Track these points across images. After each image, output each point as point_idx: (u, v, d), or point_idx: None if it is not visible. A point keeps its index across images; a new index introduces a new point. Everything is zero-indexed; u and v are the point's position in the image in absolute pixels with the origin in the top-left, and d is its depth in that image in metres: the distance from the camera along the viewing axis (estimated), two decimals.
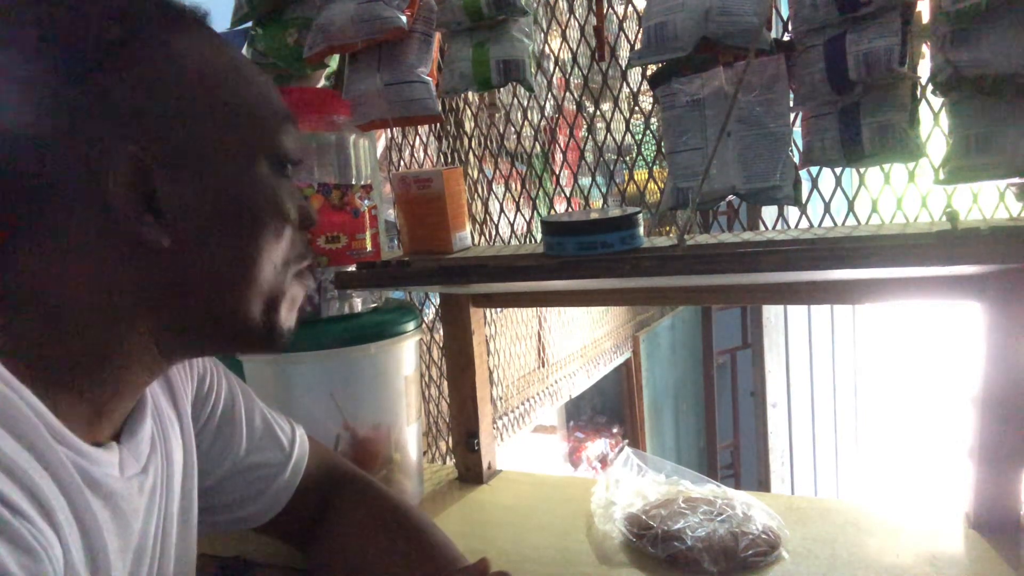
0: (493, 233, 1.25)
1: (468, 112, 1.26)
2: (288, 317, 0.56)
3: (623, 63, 1.02)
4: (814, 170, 0.87)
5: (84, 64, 0.45)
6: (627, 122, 1.09)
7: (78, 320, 0.47)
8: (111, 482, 0.49)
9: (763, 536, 0.81)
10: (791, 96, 0.75)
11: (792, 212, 0.90)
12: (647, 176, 1.06)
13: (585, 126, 1.16)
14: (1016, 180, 0.66)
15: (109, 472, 0.49)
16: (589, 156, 1.09)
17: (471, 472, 1.11)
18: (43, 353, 0.46)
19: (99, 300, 0.47)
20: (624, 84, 1.03)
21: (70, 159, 0.45)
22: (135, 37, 0.47)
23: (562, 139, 1.16)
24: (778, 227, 0.94)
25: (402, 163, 1.33)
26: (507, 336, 1.94)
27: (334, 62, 1.01)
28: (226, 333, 0.54)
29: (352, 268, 0.94)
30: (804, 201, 0.83)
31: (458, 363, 1.09)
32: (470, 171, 1.26)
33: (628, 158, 1.15)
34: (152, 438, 0.57)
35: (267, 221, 0.52)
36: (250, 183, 0.51)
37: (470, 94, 1.19)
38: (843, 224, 0.90)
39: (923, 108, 0.73)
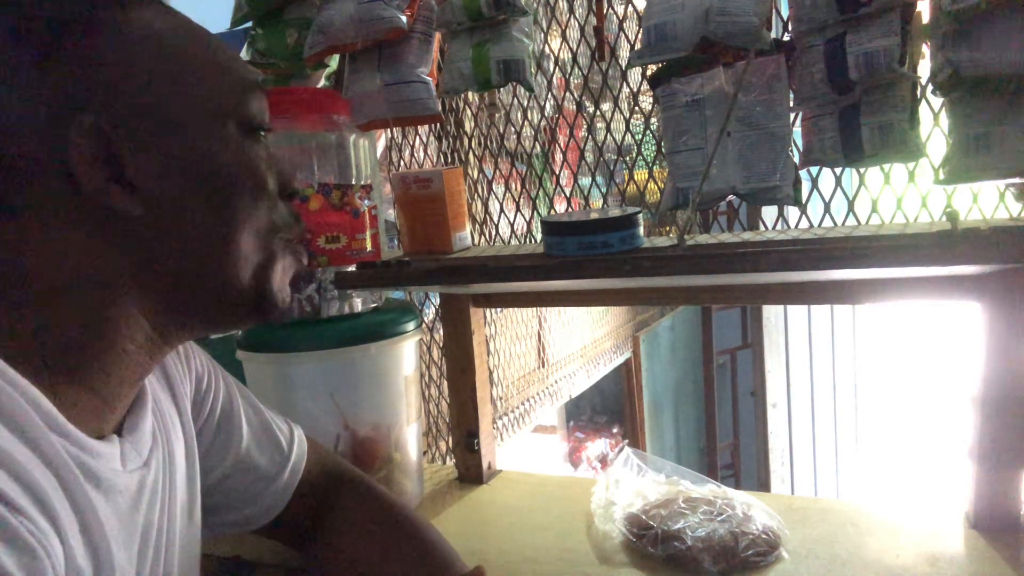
0: (493, 233, 1.25)
1: (468, 112, 1.26)
2: (281, 286, 0.56)
3: (623, 63, 1.02)
4: (814, 170, 0.87)
5: (41, 41, 0.45)
6: (627, 122, 1.09)
7: (65, 301, 0.47)
8: (112, 476, 0.49)
9: (763, 536, 0.81)
10: (791, 96, 0.75)
11: (792, 212, 0.90)
12: (647, 176, 1.06)
13: (585, 126, 1.16)
14: (1016, 180, 0.66)
15: (111, 466, 0.49)
16: (589, 156, 1.09)
17: (471, 472, 1.11)
18: (39, 340, 0.46)
19: (82, 278, 0.47)
20: (624, 84, 1.04)
21: (34, 136, 0.45)
22: (90, 12, 0.47)
23: (562, 139, 1.16)
24: (778, 227, 0.94)
25: (402, 163, 1.33)
26: (507, 336, 1.94)
27: (334, 62, 1.01)
28: (216, 304, 0.53)
29: (352, 268, 0.94)
30: (804, 201, 0.83)
31: (458, 363, 1.09)
32: (470, 171, 1.26)
33: (628, 158, 1.15)
34: (153, 432, 0.57)
35: (240, 184, 0.52)
36: (219, 147, 0.51)
37: (470, 94, 1.19)
38: (843, 224, 0.90)
39: (923, 108, 0.73)
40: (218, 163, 0.51)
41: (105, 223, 0.47)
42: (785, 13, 0.77)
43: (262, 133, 0.56)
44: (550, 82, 1.14)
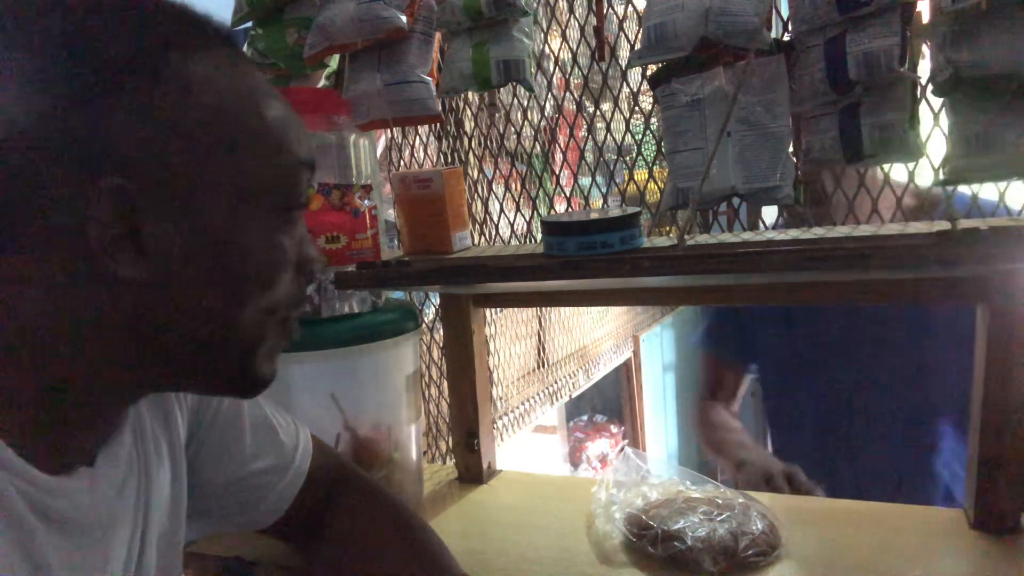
0: (493, 233, 1.25)
1: (468, 112, 1.26)
2: (265, 366, 0.53)
3: (623, 63, 1.02)
4: None
5: (82, 86, 0.42)
6: (627, 122, 1.09)
7: (39, 345, 0.45)
8: (74, 511, 0.47)
9: (763, 536, 0.81)
10: (791, 96, 0.74)
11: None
12: (647, 176, 1.06)
13: (585, 126, 1.16)
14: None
15: (74, 501, 0.48)
16: (589, 156, 1.09)
17: (471, 472, 1.11)
18: (2, 380, 0.44)
19: (64, 331, 0.45)
20: (624, 84, 1.03)
21: (53, 185, 0.42)
22: (145, 60, 0.44)
23: (562, 139, 1.16)
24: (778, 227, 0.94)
25: (402, 163, 1.33)
26: (507, 336, 1.94)
27: (334, 62, 1.01)
28: (196, 377, 0.51)
29: (352, 268, 0.94)
30: (804, 201, 0.83)
31: (458, 363, 1.09)
32: (470, 171, 1.25)
33: (628, 158, 1.15)
34: (130, 458, 0.55)
35: (259, 269, 0.49)
36: (247, 228, 0.48)
37: (470, 94, 1.19)
38: (843, 224, 0.90)
39: (923, 108, 0.73)
40: (241, 245, 0.47)
41: (104, 286, 0.44)
42: (785, 13, 0.77)
43: (299, 210, 0.52)
44: (550, 82, 1.14)
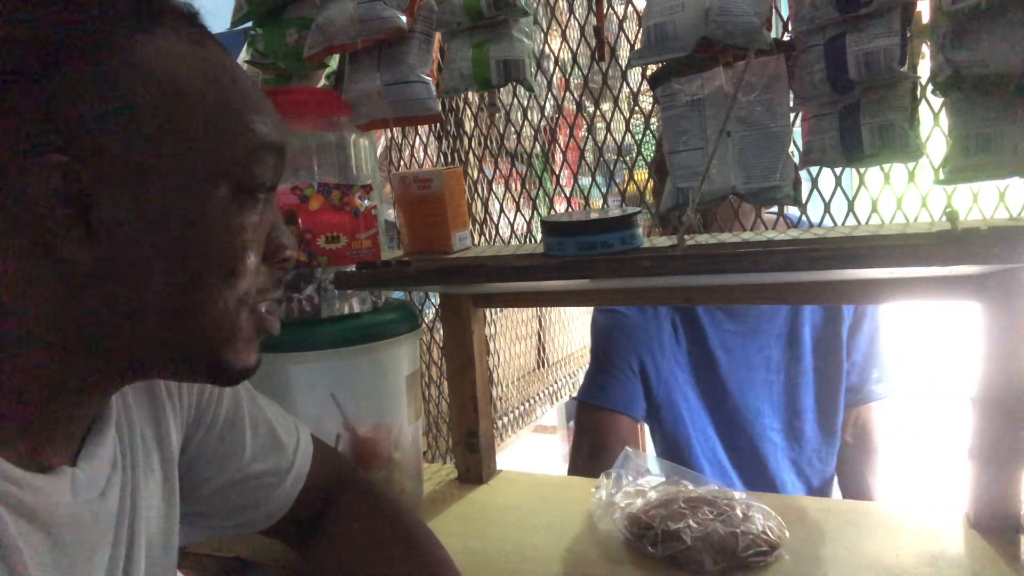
0: (493, 233, 1.25)
1: (468, 112, 1.26)
2: (243, 356, 0.51)
3: (623, 63, 1.02)
4: (814, 170, 0.87)
5: (22, 62, 0.41)
6: (627, 122, 1.09)
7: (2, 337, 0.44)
8: (55, 510, 0.46)
9: (763, 536, 0.81)
10: (791, 96, 0.74)
11: (792, 212, 0.90)
12: (647, 176, 1.06)
13: (585, 126, 1.16)
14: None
15: (54, 499, 0.47)
16: (589, 156, 1.09)
17: (471, 472, 1.11)
18: None
19: (26, 319, 0.44)
20: (624, 84, 1.03)
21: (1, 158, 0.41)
22: (90, 36, 0.43)
23: (562, 139, 1.16)
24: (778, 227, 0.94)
25: (402, 163, 1.33)
26: (507, 336, 1.93)
27: (334, 62, 1.01)
28: (167, 367, 0.50)
29: (352, 268, 0.94)
30: (804, 201, 0.83)
31: (458, 363, 1.09)
32: (470, 171, 1.25)
33: (628, 158, 1.15)
34: (114, 459, 0.54)
35: (216, 254, 0.47)
36: (203, 211, 0.46)
37: (470, 94, 1.19)
38: (843, 224, 0.90)
39: (923, 108, 0.73)
40: (197, 229, 0.46)
41: (55, 270, 0.43)
42: (785, 13, 0.77)
43: (263, 194, 0.50)
44: (550, 82, 1.14)
